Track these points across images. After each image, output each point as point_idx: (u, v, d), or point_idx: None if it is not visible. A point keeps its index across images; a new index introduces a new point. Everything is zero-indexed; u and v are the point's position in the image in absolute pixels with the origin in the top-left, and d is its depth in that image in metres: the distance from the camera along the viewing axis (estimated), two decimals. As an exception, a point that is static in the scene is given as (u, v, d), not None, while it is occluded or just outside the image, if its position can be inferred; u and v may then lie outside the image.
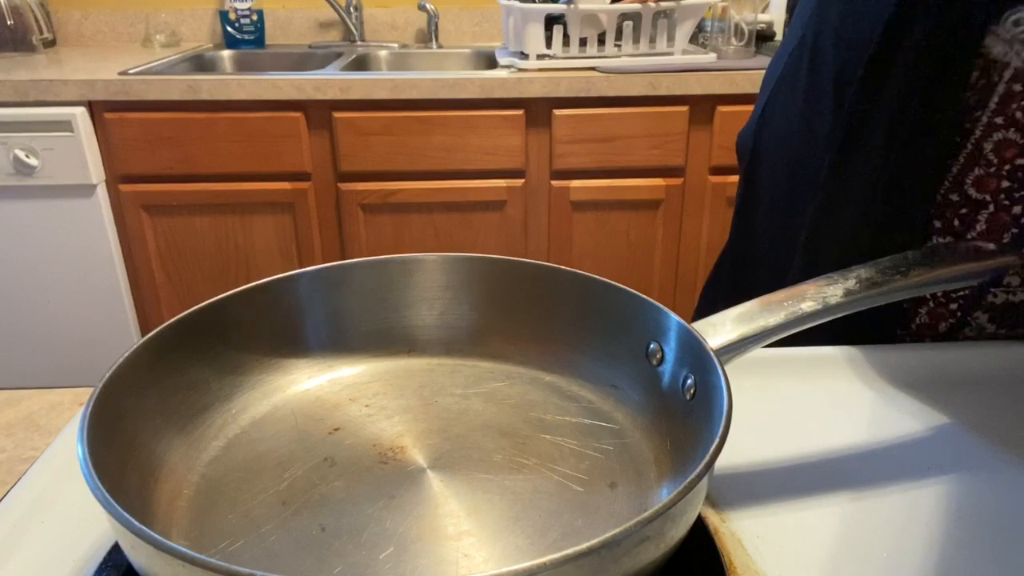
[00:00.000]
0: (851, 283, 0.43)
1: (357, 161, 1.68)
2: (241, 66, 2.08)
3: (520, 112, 1.66)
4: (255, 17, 2.09)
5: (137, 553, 0.30)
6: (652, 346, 0.44)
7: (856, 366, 0.58)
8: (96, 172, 1.65)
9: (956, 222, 0.56)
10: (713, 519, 0.42)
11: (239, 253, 1.77)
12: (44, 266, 1.72)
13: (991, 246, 0.45)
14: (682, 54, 1.73)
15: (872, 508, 0.43)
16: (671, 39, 1.73)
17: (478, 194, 1.73)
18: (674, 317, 0.43)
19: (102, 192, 1.68)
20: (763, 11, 1.95)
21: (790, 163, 0.68)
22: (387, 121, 1.65)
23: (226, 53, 2.09)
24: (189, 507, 0.39)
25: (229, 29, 2.08)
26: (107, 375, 0.37)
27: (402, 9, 2.18)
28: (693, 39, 1.84)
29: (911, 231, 0.57)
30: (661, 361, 0.44)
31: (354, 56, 2.00)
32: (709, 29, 1.86)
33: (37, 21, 2.00)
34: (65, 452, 0.48)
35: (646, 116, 1.68)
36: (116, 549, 0.39)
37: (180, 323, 0.43)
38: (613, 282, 0.47)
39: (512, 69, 1.69)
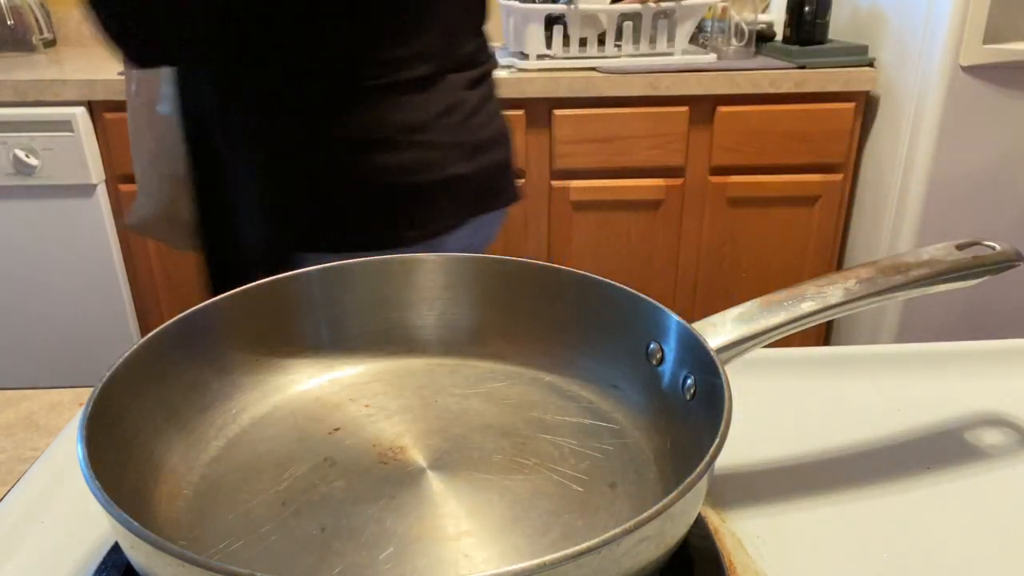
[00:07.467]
0: (851, 283, 0.43)
1: (357, 161, 1.68)
2: (241, 66, 2.08)
3: (520, 112, 1.66)
4: (255, 17, 2.08)
5: (137, 553, 0.30)
6: (652, 346, 0.44)
7: (855, 366, 0.58)
8: (96, 172, 1.65)
9: None
10: (713, 519, 0.42)
11: (239, 253, 1.76)
12: (44, 266, 1.72)
13: (992, 245, 0.45)
14: (682, 54, 1.73)
15: (872, 508, 0.43)
16: (671, 39, 1.73)
17: (478, 194, 1.73)
18: (674, 317, 0.42)
19: (102, 192, 1.68)
20: (763, 11, 1.94)
21: None
22: (387, 121, 1.65)
23: (226, 53, 2.08)
24: (189, 507, 0.39)
25: (229, 29, 2.08)
26: (107, 375, 0.37)
27: (402, 9, 2.18)
28: (693, 39, 1.83)
29: None
30: (661, 361, 0.44)
31: (354, 56, 1.99)
32: (709, 29, 1.85)
33: (37, 21, 2.00)
34: (65, 452, 0.48)
35: (646, 116, 1.68)
36: (116, 549, 0.39)
37: (180, 323, 0.43)
38: (613, 282, 0.47)
39: (512, 69, 1.69)
